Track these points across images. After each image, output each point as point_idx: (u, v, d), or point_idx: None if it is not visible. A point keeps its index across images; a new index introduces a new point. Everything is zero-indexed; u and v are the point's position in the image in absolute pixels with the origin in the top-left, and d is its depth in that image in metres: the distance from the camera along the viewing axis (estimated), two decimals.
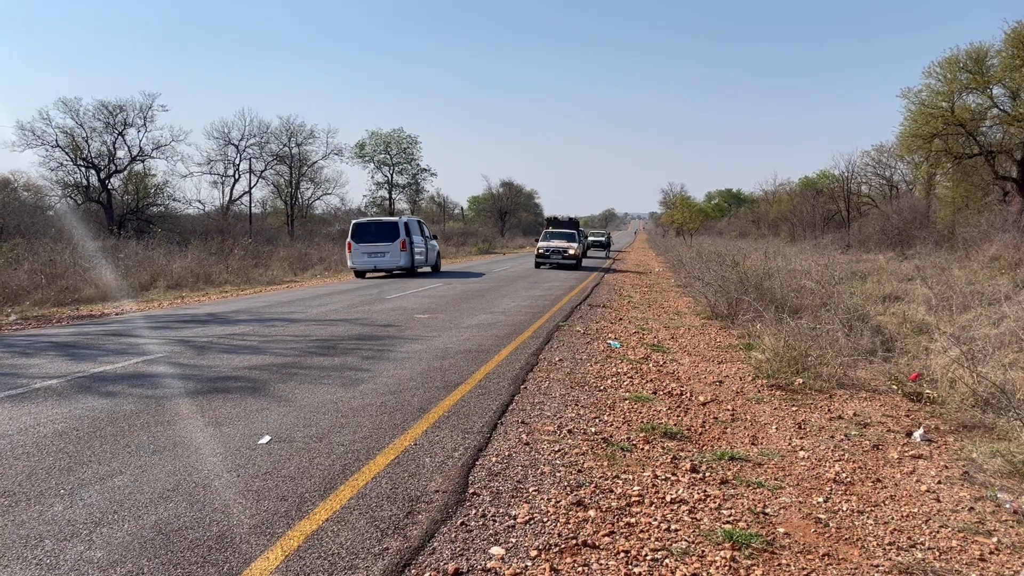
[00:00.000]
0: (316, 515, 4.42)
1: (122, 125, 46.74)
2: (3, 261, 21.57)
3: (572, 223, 39.14)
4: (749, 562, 4.13)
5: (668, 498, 5.00)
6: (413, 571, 3.83)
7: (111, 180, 46.84)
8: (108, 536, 4.04)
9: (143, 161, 48.01)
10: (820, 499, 5.14)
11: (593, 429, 6.54)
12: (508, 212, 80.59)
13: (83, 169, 46.18)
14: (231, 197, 55.86)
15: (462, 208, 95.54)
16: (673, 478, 5.40)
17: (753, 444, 6.37)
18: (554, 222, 39.46)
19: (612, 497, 4.97)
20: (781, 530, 4.58)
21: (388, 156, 61.30)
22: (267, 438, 5.87)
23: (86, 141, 45.91)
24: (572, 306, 16.33)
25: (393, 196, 63.01)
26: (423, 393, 7.52)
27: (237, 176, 55.86)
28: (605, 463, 5.64)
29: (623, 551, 4.17)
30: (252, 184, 56.13)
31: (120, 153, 47.11)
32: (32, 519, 4.24)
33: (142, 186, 48.16)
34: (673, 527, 4.53)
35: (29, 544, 3.92)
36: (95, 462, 5.25)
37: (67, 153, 45.26)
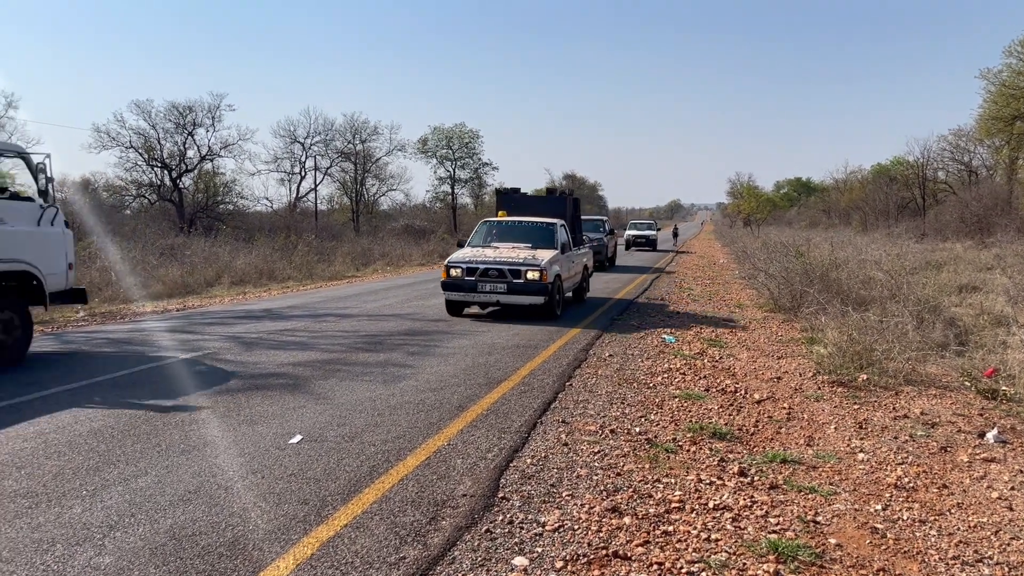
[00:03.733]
0: (335, 520, 4.26)
1: (192, 125, 47.86)
2: (77, 259, 22.24)
3: (555, 201, 17.15)
4: None
5: (711, 504, 4.68)
6: None
7: (182, 179, 48.03)
8: (120, 541, 3.94)
9: (212, 160, 49.08)
10: (878, 506, 4.74)
11: (638, 429, 6.23)
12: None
13: (156, 169, 47.46)
14: (298, 194, 56.76)
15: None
16: (719, 482, 5.07)
17: (808, 445, 5.97)
18: (509, 200, 16.93)
19: (651, 503, 4.67)
20: (832, 541, 4.21)
21: (450, 151, 61.31)
22: (298, 437, 5.75)
23: (158, 142, 47.17)
24: (629, 300, 15.95)
25: (456, 191, 63.08)
26: (464, 390, 7.32)
27: (303, 173, 56.71)
28: (647, 466, 5.34)
29: (656, 563, 3.88)
30: (318, 181, 56.92)
31: (190, 153, 48.26)
32: (49, 522, 4.17)
33: (211, 184, 49.25)
34: (714, 537, 4.22)
35: (40, 549, 3.84)
36: (123, 462, 5.18)
37: (141, 154, 46.57)
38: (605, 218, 29.50)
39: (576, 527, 4.27)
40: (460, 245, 13.88)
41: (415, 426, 6.11)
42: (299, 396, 7.09)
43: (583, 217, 27.30)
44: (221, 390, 7.33)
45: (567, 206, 16.46)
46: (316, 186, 57.13)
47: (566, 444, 5.76)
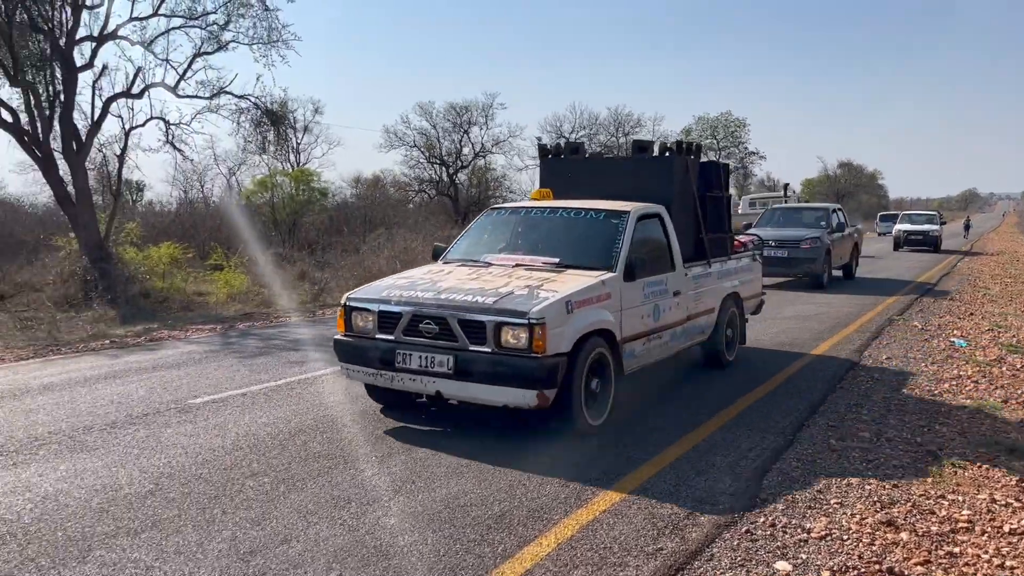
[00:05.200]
0: (595, 505, 4.37)
1: (467, 124, 51.03)
2: (368, 250, 24.65)
3: (652, 166, 7.47)
4: None
5: (1007, 528, 4.19)
6: None
7: (458, 175, 51.39)
8: (403, 504, 4.35)
9: (484, 156, 51.99)
10: None
11: (919, 439, 5.72)
12: (847, 195, 74.66)
13: (436, 166, 51.23)
14: None
15: (795, 191, 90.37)
16: (1017, 504, 4.52)
17: None
18: (560, 167, 7.97)
19: (932, 520, 4.28)
20: None
21: (715, 140, 59.90)
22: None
23: (438, 140, 50.84)
24: (913, 297, 14.59)
25: None
26: (722, 389, 7.15)
27: None
28: (928, 480, 4.89)
29: None
30: None
31: (465, 150, 51.46)
32: (345, 482, 4.70)
33: (483, 180, 52.22)
34: (1008, 564, 3.78)
35: (339, 505, 4.35)
36: (408, 433, 5.70)
37: (422, 152, 50.51)
38: (834, 206, 18.75)
39: (845, 537, 4.03)
40: (435, 256, 7.15)
41: (674, 421, 6.08)
42: None
43: (799, 205, 22.56)
44: None
45: (674, 176, 7.40)
46: None
47: (835, 450, 5.43)
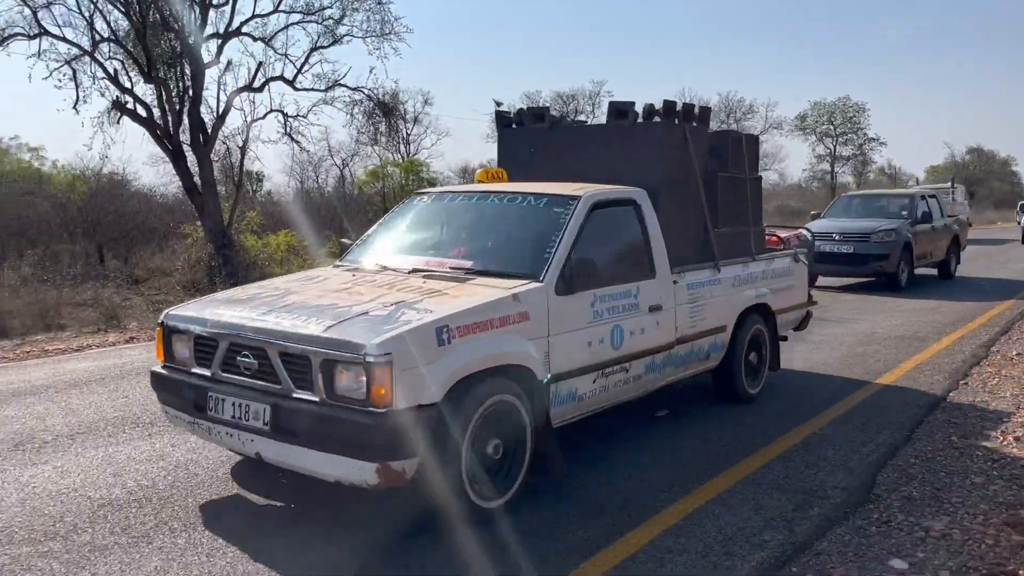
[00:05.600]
0: (700, 494, 4.34)
1: (574, 113, 50.95)
2: None
3: (631, 135, 5.65)
4: None
5: None
6: (794, 569, 3.54)
7: None
8: None
9: None
10: None
11: None
12: (976, 182, 70.53)
13: None
14: None
15: (917, 179, 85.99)
16: None
17: None
18: (518, 136, 6.24)
19: None
20: None
21: (831, 126, 57.50)
22: (665, 411, 5.92)
23: None
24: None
25: (836, 169, 59.08)
26: (836, 381, 6.92)
27: None
28: None
29: None
30: None
31: None
32: None
33: None
34: None
35: None
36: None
37: None
38: (927, 192, 16.17)
39: (968, 538, 3.85)
40: (340, 251, 6.34)
41: (783, 412, 5.94)
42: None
43: (879, 192, 17.75)
44: None
45: (665, 149, 5.67)
46: None
47: (957, 448, 5.18)
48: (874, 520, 4.05)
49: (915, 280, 14.12)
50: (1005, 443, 5.30)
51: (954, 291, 13.57)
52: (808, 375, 7.14)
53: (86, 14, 14.38)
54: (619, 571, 3.46)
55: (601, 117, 52.41)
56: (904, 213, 14.41)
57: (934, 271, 15.49)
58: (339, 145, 48.20)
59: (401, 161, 34.29)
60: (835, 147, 58.79)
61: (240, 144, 17.15)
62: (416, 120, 46.79)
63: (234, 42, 16.49)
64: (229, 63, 16.57)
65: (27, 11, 14.09)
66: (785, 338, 6.85)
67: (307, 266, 16.86)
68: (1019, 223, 31.58)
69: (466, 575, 3.43)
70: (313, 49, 16.99)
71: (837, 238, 13.52)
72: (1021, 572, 3.52)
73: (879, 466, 4.82)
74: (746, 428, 5.53)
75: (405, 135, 45.48)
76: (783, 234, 7.25)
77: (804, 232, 7.59)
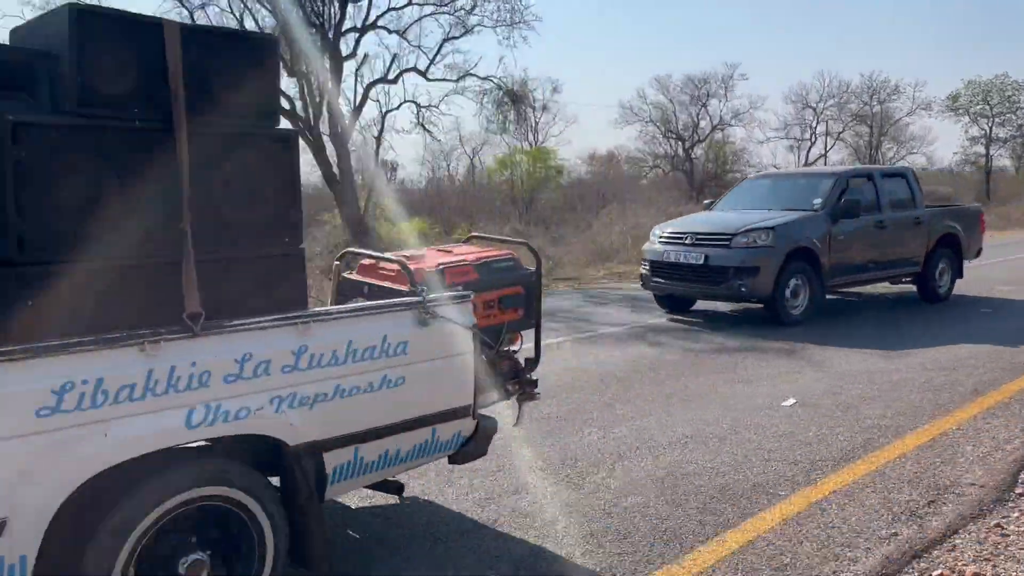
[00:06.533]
0: (824, 485, 4.25)
1: (705, 97, 49.72)
2: (600, 225, 25.00)
3: None
4: None
5: None
6: (922, 564, 3.43)
7: (694, 149, 50.32)
8: (627, 468, 4.50)
9: (722, 130, 50.41)
10: None
11: None
12: None
13: (671, 141, 50.51)
14: (807, 160, 55.27)
15: None
16: None
17: None
18: None
19: None
20: None
21: (987, 107, 53.51)
22: (792, 400, 5.81)
23: (674, 114, 50.05)
24: None
25: (992, 152, 55.00)
26: (982, 373, 6.55)
27: (814, 139, 54.94)
28: None
29: None
30: (829, 147, 54.71)
31: (702, 123, 50.21)
32: (573, 443, 4.94)
33: (721, 154, 50.69)
34: None
35: (566, 463, 4.59)
36: (631, 402, 5.85)
37: (658, 127, 49.98)
38: (868, 170, 10.74)
39: None
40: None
41: (918, 405, 5.70)
42: (794, 361, 7.12)
43: (796, 171, 15.06)
44: (719, 348, 7.71)
45: None
46: (826, 152, 54.95)
47: None
48: (1014, 519, 3.85)
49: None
50: None
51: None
52: (950, 368, 6.79)
53: (237, 13, 15.32)
54: (736, 557, 3.47)
55: (734, 101, 49.91)
56: (816, 202, 9.54)
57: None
58: (469, 134, 49.13)
59: (529, 149, 34.58)
60: (991, 128, 54.68)
61: (375, 134, 17.84)
62: (544, 108, 47.00)
63: (370, 35, 17.14)
64: (366, 56, 17.27)
65: (183, 11, 15.14)
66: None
67: None
68: None
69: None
70: (445, 40, 17.47)
71: (688, 242, 9.32)
72: None
73: (1023, 464, 4.56)
74: (875, 420, 5.35)
75: (534, 123, 45.80)
76: (418, 264, 3.69)
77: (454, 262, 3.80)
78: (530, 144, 40.59)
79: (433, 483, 4.30)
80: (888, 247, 9.91)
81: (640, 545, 3.58)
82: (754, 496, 4.10)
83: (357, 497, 4.08)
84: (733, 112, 50.49)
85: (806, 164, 54.98)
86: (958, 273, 10.81)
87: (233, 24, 15.45)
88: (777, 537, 3.65)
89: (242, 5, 15.13)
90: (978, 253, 11.44)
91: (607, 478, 4.36)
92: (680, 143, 50.28)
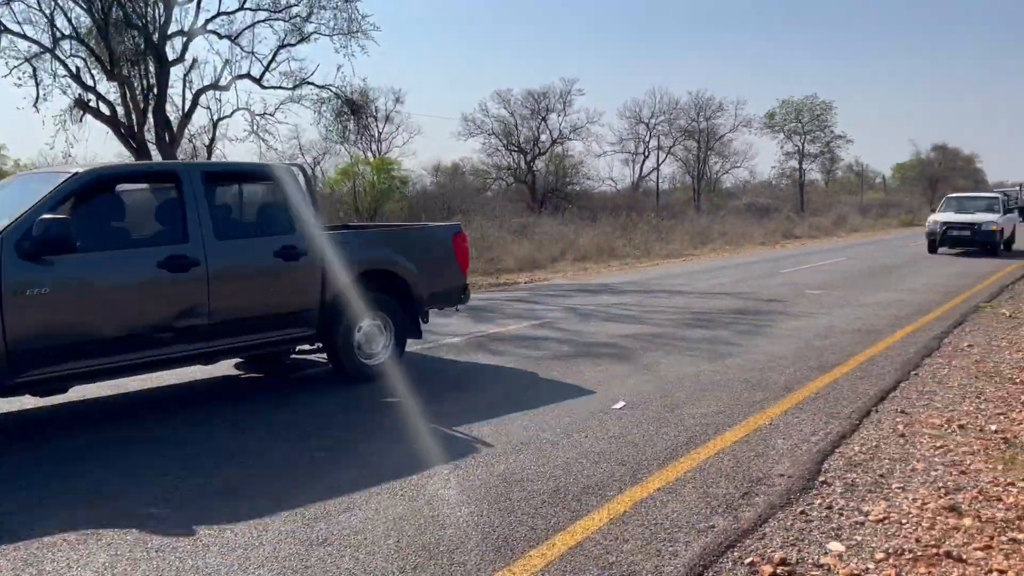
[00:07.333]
0: (650, 483, 4.42)
1: (545, 111, 51.03)
2: None
3: None
4: None
5: None
6: (736, 554, 3.63)
7: (535, 162, 51.48)
8: (461, 478, 4.51)
9: (562, 143, 51.89)
10: None
11: (993, 427, 5.55)
12: (940, 179, 71.61)
13: (513, 153, 51.43)
14: (641, 174, 57.91)
15: (884, 177, 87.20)
16: None
17: None
18: None
19: (999, 507, 4.18)
20: None
21: (799, 124, 58.21)
22: (621, 403, 6.02)
23: (516, 127, 51.03)
24: (1004, 284, 14.00)
25: (804, 166, 59.79)
26: (792, 372, 7.06)
27: (647, 153, 57.65)
28: (999, 467, 4.76)
29: (998, 571, 3.49)
30: (660, 160, 57.56)
31: (543, 137, 51.49)
32: (407, 456, 4.89)
33: (561, 167, 52.14)
34: None
35: (400, 476, 4.54)
36: (468, 411, 5.87)
37: (500, 139, 50.78)
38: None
39: (904, 521, 3.98)
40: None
41: (737, 403, 6.06)
42: (625, 365, 7.39)
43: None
44: (556, 355, 7.89)
45: None
46: (659, 165, 57.82)
47: (903, 435, 5.33)
48: (816, 506, 4.16)
49: None
50: (950, 431, 5.45)
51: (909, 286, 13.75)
52: (765, 368, 7.27)
53: (47, 11, 14.25)
54: (565, 560, 3.53)
55: (572, 116, 51.33)
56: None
57: None
58: (310, 143, 47.91)
59: (372, 160, 34.18)
60: (803, 145, 59.48)
61: (207, 143, 17.06)
62: (387, 118, 46.65)
63: (200, 40, 16.40)
64: (194, 61, 16.52)
65: None
66: None
67: None
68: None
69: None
70: (280, 47, 16.97)
71: None
72: (955, 553, 3.66)
73: (826, 454, 4.94)
74: (698, 419, 5.64)
75: (377, 133, 45.35)
76: None
77: None
78: (373, 154, 40.15)
79: (259, 504, 4.12)
80: (196, 303, 5.80)
81: (472, 555, 3.58)
82: (584, 498, 4.21)
83: None
84: (572, 126, 52.08)
85: (640, 177, 57.63)
86: (410, 330, 7.23)
87: (43, 23, 14.34)
88: (604, 537, 3.75)
89: (52, 2, 14.07)
90: (462, 297, 7.73)
91: (441, 489, 4.34)
92: (522, 156, 51.29)
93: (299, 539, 3.74)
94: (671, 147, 58.00)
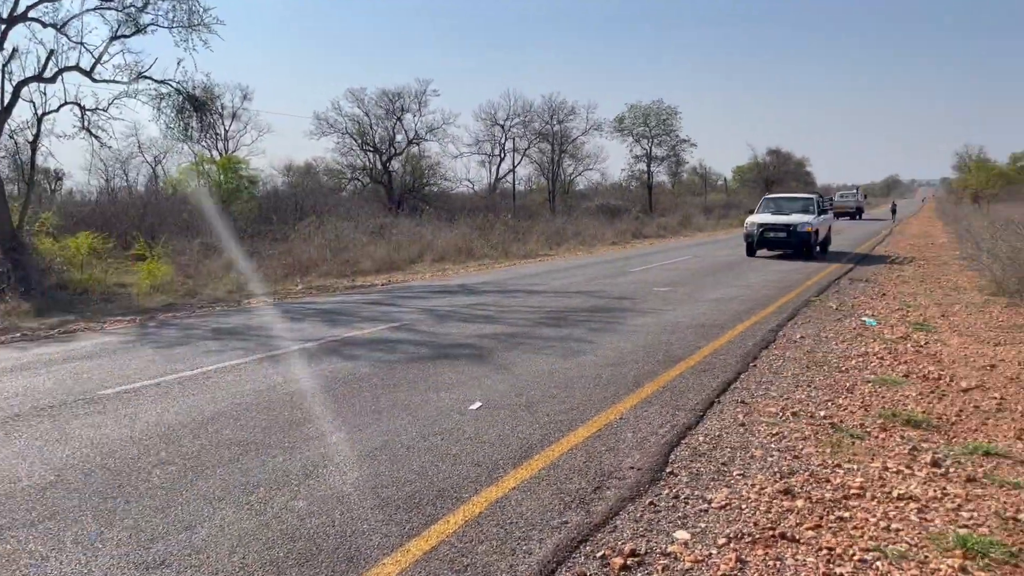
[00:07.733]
0: (505, 483, 4.44)
1: (400, 111, 50.54)
2: (298, 238, 24.32)
3: None
4: (983, 574, 3.51)
5: (895, 494, 4.40)
6: (588, 548, 3.70)
7: (391, 163, 50.93)
8: (312, 488, 4.35)
9: (418, 144, 51.60)
10: None
11: (822, 413, 5.95)
12: (775, 182, 76.58)
13: (369, 153, 50.65)
14: (497, 175, 58.49)
15: (725, 179, 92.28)
16: (907, 471, 4.75)
17: (1020, 439, 5.43)
18: None
19: (827, 488, 4.47)
20: None
21: (647, 128, 60.56)
22: (478, 404, 6.02)
23: (371, 127, 50.27)
24: (831, 279, 15.09)
25: (652, 169, 62.27)
26: (641, 367, 7.31)
27: (503, 155, 58.29)
28: (828, 450, 5.10)
29: (827, 548, 3.73)
30: (516, 162, 58.36)
31: (399, 137, 50.99)
32: (255, 468, 4.68)
33: (417, 167, 51.85)
34: (894, 527, 3.98)
35: (247, 490, 4.33)
36: (321, 419, 5.70)
37: (355, 139, 49.87)
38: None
39: (744, 506, 4.19)
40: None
41: (589, 399, 6.20)
42: (482, 366, 7.40)
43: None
44: (413, 357, 7.80)
45: None
46: (515, 167, 58.58)
47: (743, 424, 5.62)
48: (664, 496, 4.31)
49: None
50: (784, 418, 5.79)
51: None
52: (616, 363, 7.48)
53: None
54: (419, 566, 3.48)
55: (427, 116, 50.99)
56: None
57: None
58: (150, 142, 45.34)
59: (219, 158, 32.74)
60: (651, 148, 61.91)
61: (30, 139, 15.75)
62: (235, 116, 44.87)
63: (21, 28, 15.10)
64: (15, 50, 15.17)
65: None
66: None
67: (113, 270, 15.73)
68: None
69: None
70: (113, 38, 15.88)
71: None
72: (789, 534, 3.88)
73: (673, 445, 5.13)
74: (552, 417, 5.72)
75: (223, 131, 43.49)
76: None
77: None
78: (220, 153, 38.46)
79: (91, 527, 3.82)
80: None
81: (323, 566, 3.46)
82: (439, 502, 4.16)
83: None
84: (428, 127, 51.89)
85: (497, 179, 58.16)
86: None
87: None
88: (459, 540, 3.73)
89: None
90: None
91: (291, 500, 4.18)
92: (378, 156, 50.63)
93: (133, 562, 3.49)
94: (526, 149, 58.95)
